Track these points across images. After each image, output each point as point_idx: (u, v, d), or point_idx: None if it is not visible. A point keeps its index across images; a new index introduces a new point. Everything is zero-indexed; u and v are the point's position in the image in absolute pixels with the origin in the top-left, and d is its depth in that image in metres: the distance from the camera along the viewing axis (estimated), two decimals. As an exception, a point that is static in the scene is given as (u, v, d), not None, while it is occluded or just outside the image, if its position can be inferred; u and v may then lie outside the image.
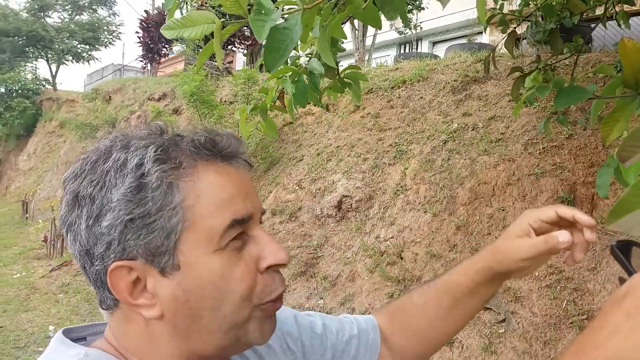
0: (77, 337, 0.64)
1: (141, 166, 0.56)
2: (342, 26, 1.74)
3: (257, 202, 0.63)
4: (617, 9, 3.29)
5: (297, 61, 1.75)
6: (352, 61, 10.82)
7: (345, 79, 1.67)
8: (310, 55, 1.72)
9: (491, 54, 2.21)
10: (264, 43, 0.80)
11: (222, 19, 0.82)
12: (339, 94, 1.79)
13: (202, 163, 0.59)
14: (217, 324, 0.59)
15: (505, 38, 1.93)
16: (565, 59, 2.93)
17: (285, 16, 0.83)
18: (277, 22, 0.78)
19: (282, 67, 1.68)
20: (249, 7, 0.80)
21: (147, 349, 0.60)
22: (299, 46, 1.67)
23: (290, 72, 1.66)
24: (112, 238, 0.55)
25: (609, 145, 0.94)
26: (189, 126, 0.65)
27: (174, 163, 0.57)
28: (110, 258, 0.56)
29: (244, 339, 0.61)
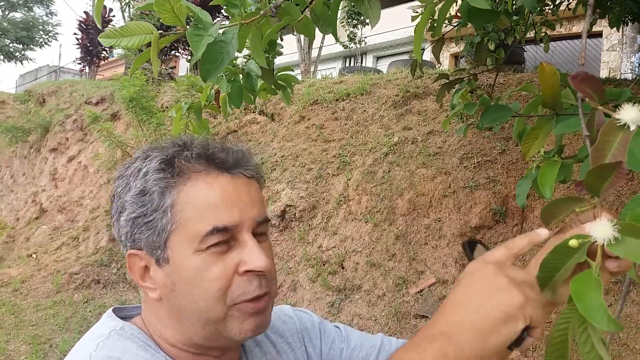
0: (127, 315, 0.75)
1: (146, 174, 0.67)
2: (282, 34, 1.76)
3: (249, 211, 0.68)
4: (548, 31, 3.53)
5: (234, 61, 1.75)
6: (297, 72, 10.90)
7: (279, 81, 1.70)
8: (248, 57, 1.73)
9: (417, 59, 2.35)
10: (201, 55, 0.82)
11: (160, 29, 0.83)
12: (271, 96, 1.82)
13: (194, 174, 0.67)
14: (195, 316, 0.67)
15: (434, 44, 2.02)
16: (489, 70, 3.19)
17: (223, 30, 0.85)
18: (215, 37, 0.80)
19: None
20: (189, 19, 0.81)
21: (158, 326, 0.71)
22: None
23: (227, 72, 1.66)
24: (127, 230, 0.69)
25: (529, 160, 1.02)
26: (207, 140, 0.73)
27: (169, 173, 0.67)
28: (127, 246, 0.70)
29: (225, 334, 0.67)
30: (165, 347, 0.70)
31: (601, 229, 0.52)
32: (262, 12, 0.90)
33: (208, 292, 0.65)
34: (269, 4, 0.92)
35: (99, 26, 0.89)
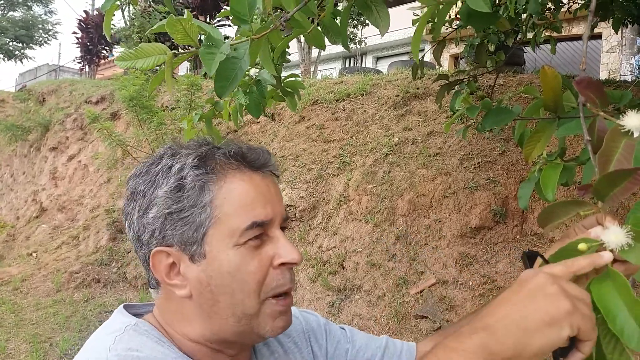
0: (137, 312, 0.76)
1: (181, 171, 0.68)
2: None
3: (278, 207, 0.72)
4: (548, 33, 3.55)
5: (247, 73, 1.78)
6: (297, 72, 10.90)
7: (286, 88, 1.72)
8: (259, 67, 1.75)
9: (419, 60, 2.36)
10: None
11: (171, 48, 0.85)
12: (277, 103, 1.84)
13: (231, 171, 0.70)
14: (232, 309, 0.68)
15: (435, 46, 2.03)
16: (489, 72, 3.21)
17: (234, 46, 0.86)
18: (226, 54, 0.82)
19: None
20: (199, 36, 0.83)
21: (181, 324, 0.71)
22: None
23: (242, 84, 1.69)
24: (155, 227, 0.68)
25: (531, 162, 1.03)
26: (231, 140, 0.75)
27: (207, 169, 0.68)
28: (153, 244, 0.69)
29: (257, 329, 0.69)
30: (182, 342, 0.71)
31: (614, 235, 0.53)
32: (272, 26, 0.91)
33: (247, 284, 0.67)
34: (277, 15, 0.93)
35: (109, 38, 0.91)
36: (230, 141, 0.74)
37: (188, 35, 0.80)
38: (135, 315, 0.75)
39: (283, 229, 0.74)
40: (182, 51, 0.87)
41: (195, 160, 0.68)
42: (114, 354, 0.63)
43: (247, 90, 1.56)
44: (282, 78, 1.74)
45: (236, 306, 0.68)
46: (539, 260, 0.61)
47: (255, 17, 1.11)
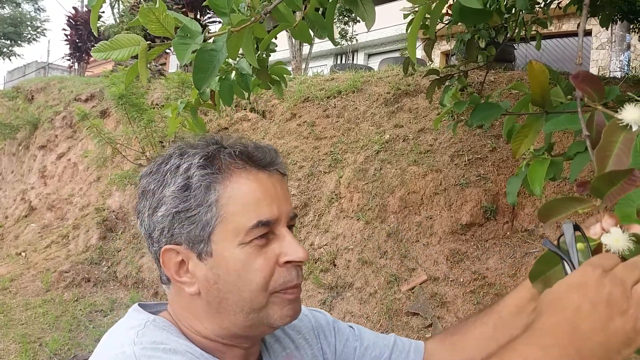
0: (151, 311, 0.76)
1: (188, 170, 0.69)
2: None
3: (285, 206, 0.73)
4: (539, 29, 3.56)
5: (226, 60, 1.76)
6: (288, 69, 10.85)
7: (272, 75, 1.71)
8: (240, 55, 1.73)
9: (412, 59, 2.35)
10: (193, 63, 0.83)
11: (148, 40, 0.84)
12: (263, 91, 1.83)
13: (236, 170, 0.70)
14: (239, 305, 0.70)
15: (425, 42, 2.02)
16: (480, 68, 3.21)
17: (212, 38, 0.86)
18: (202, 45, 0.81)
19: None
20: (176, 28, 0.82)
21: (192, 320, 0.73)
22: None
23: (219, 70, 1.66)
24: (164, 226, 0.70)
25: (519, 157, 1.03)
26: (239, 139, 0.76)
27: (212, 169, 0.69)
28: (163, 242, 0.71)
29: (266, 320, 0.71)
30: (193, 338, 0.72)
31: (615, 239, 0.53)
32: (252, 19, 0.91)
33: (253, 281, 0.68)
34: (261, 4, 0.92)
35: (95, 34, 0.90)
36: (237, 140, 0.75)
37: (163, 26, 0.79)
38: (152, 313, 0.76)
39: (291, 227, 0.74)
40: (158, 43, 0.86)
41: (202, 160, 0.70)
42: (139, 347, 0.64)
43: (223, 77, 1.55)
44: (268, 66, 1.72)
45: (244, 302, 0.69)
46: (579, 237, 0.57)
47: (244, 8, 1.09)
